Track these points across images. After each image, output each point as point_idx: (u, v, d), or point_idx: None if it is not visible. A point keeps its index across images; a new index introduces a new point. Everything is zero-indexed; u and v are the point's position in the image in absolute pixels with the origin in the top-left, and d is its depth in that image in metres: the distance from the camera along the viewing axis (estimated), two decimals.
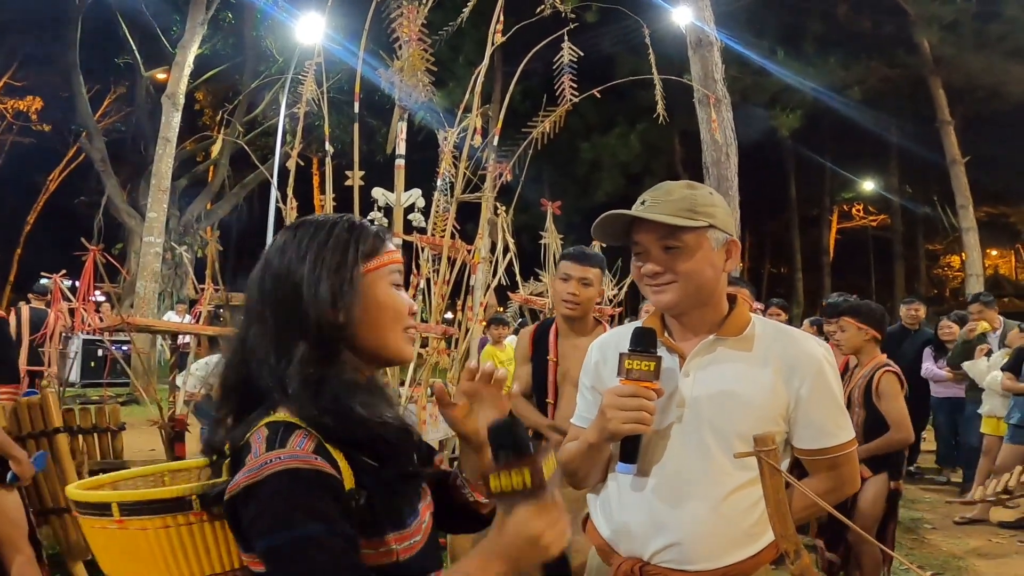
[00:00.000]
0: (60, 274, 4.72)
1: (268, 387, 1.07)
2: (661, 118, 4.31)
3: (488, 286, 4.11)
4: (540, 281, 4.26)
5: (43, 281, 5.89)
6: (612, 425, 1.38)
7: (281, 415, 1.03)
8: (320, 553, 0.94)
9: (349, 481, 1.01)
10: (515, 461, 0.97)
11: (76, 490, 1.26)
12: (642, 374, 1.37)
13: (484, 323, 6.29)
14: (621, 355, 1.41)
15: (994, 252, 29.89)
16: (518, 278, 4.16)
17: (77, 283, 5.82)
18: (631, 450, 1.42)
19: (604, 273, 2.94)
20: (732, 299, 1.52)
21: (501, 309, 8.76)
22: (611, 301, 5.98)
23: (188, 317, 10.19)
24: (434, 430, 3.60)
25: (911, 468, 7.03)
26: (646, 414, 1.36)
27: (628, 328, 1.54)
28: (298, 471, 0.96)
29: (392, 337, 1.14)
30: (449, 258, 3.61)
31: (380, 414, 1.06)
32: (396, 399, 1.19)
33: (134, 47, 18.05)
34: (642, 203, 1.45)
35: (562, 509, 1.01)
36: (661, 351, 1.44)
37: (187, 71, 13.59)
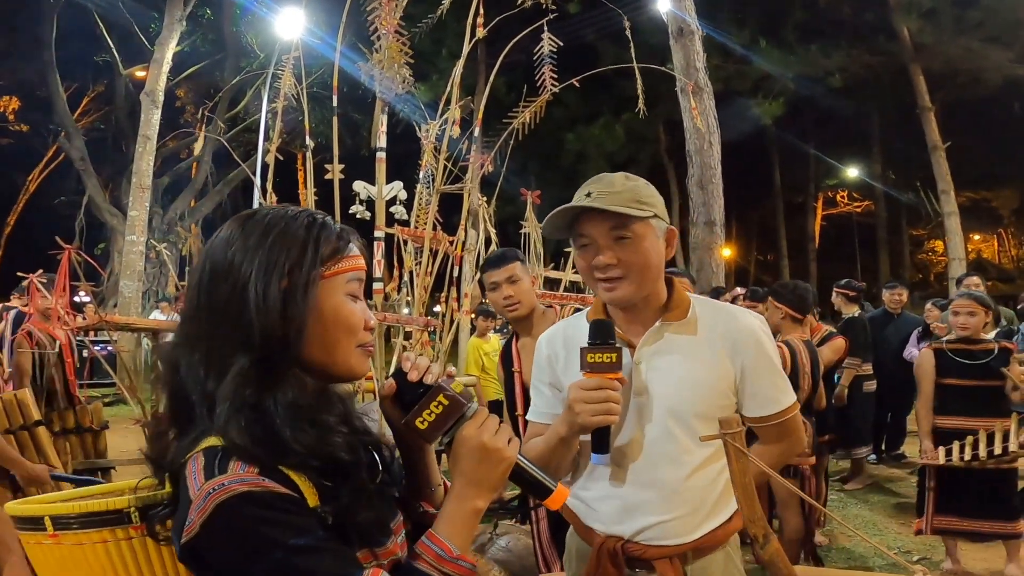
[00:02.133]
0: (37, 274, 4.66)
1: (195, 403, 0.95)
2: (641, 112, 4.32)
3: (472, 277, 4.11)
4: None
5: (24, 282, 5.81)
6: (581, 419, 1.42)
7: (217, 439, 0.91)
8: (318, 559, 0.86)
9: (312, 499, 0.91)
10: (424, 394, 1.01)
11: (11, 504, 1.15)
12: (605, 366, 1.41)
13: (471, 314, 6.28)
14: (582, 349, 1.44)
15: (976, 236, 30.18)
16: None
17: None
18: (602, 440, 1.46)
19: (525, 264, 2.93)
20: (669, 283, 1.57)
21: (487, 300, 8.75)
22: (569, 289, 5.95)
23: (173, 315, 10.14)
24: None
25: (897, 452, 7.09)
26: (613, 404, 1.41)
27: (575, 320, 1.61)
28: (251, 494, 0.86)
29: (343, 354, 1.00)
30: (432, 250, 3.60)
31: (326, 440, 0.93)
32: (351, 412, 1.05)
33: (112, 45, 17.83)
34: (587, 195, 1.47)
35: (495, 417, 1.03)
36: (621, 346, 1.48)
37: (166, 68, 13.43)
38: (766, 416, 1.55)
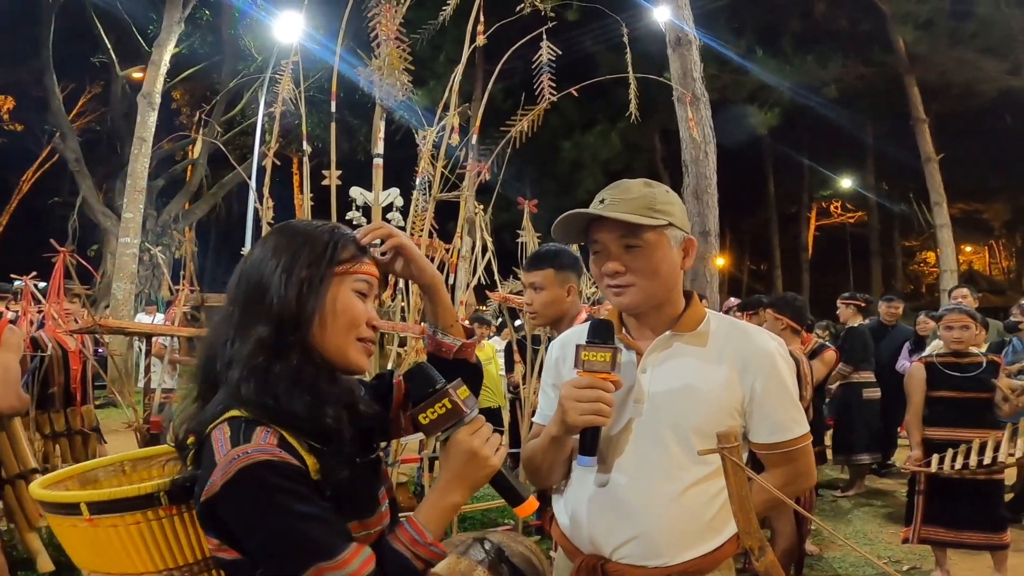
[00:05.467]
0: (31, 276, 4.63)
1: (220, 371, 1.12)
2: (634, 117, 4.34)
3: (468, 285, 4.11)
4: (519, 279, 4.28)
5: (16, 283, 5.78)
6: (570, 417, 1.38)
7: (240, 411, 1.07)
8: (316, 526, 1.01)
9: (315, 473, 1.06)
10: (432, 394, 1.13)
11: (42, 491, 1.28)
12: (598, 365, 1.38)
13: (465, 320, 6.28)
14: (578, 347, 1.41)
15: (968, 248, 30.34)
16: (496, 277, 4.17)
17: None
18: (590, 442, 1.42)
19: (564, 269, 2.73)
20: (688, 295, 1.54)
21: (483, 308, 8.74)
22: (589, 299, 5.96)
23: (160, 317, 10.07)
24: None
25: (888, 462, 7.11)
26: (604, 405, 1.36)
27: (588, 325, 1.54)
28: (270, 463, 1.00)
29: (342, 343, 1.16)
30: (428, 257, 3.60)
31: (318, 408, 1.09)
32: (355, 391, 1.23)
33: (109, 46, 17.80)
34: (601, 201, 1.45)
35: (490, 427, 1.16)
36: (618, 346, 1.44)
37: (163, 70, 13.41)
38: (773, 443, 1.48)
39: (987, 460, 3.69)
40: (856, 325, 6.39)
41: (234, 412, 1.07)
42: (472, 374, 1.38)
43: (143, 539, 1.19)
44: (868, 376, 6.26)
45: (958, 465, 3.78)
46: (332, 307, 1.14)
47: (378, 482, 1.22)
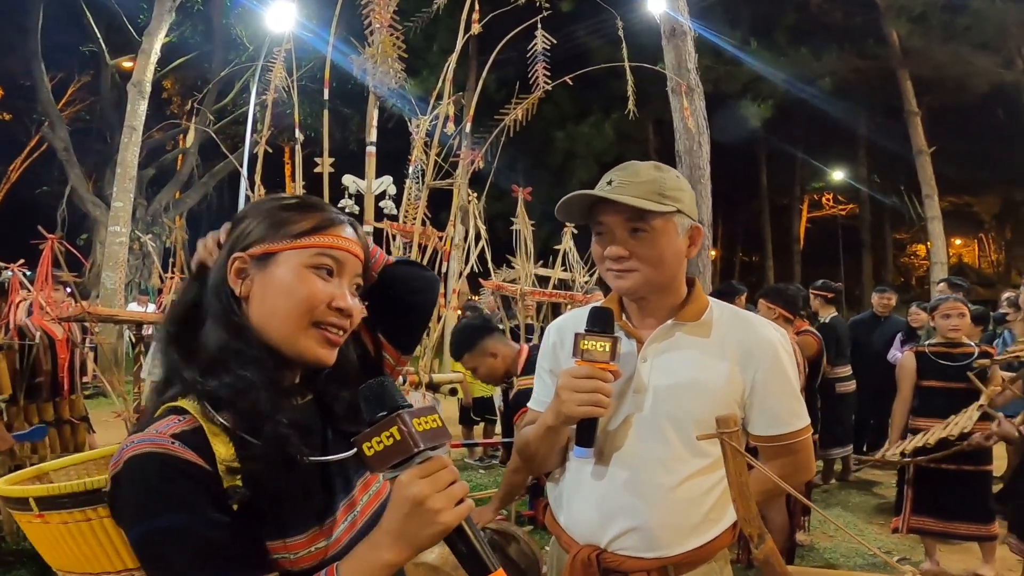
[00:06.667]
0: (18, 264, 4.58)
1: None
2: (632, 113, 4.33)
3: (460, 273, 4.10)
4: (512, 268, 4.26)
5: (5, 272, 5.73)
6: (567, 408, 1.34)
7: (179, 401, 0.94)
8: (179, 545, 0.85)
9: (228, 479, 0.88)
10: (380, 420, 0.88)
11: (2, 484, 1.16)
12: (598, 355, 1.33)
13: (458, 309, 6.27)
14: (576, 335, 1.37)
15: (958, 241, 30.51)
16: (490, 265, 4.14)
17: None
18: (587, 433, 1.38)
19: (475, 344, 3.11)
20: (691, 283, 1.50)
21: (476, 297, 8.73)
22: (582, 288, 5.94)
23: (151, 307, 9.99)
24: None
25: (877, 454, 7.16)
26: (602, 396, 1.32)
27: (586, 310, 1.49)
28: (151, 455, 0.86)
29: (287, 328, 0.96)
30: (420, 245, 3.59)
31: (245, 389, 0.92)
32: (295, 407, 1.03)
33: (99, 35, 17.63)
34: (609, 183, 1.40)
35: (454, 472, 0.88)
36: (618, 335, 1.41)
37: (154, 59, 13.26)
38: (773, 436, 1.45)
39: (956, 433, 3.70)
40: (828, 320, 6.32)
41: (178, 403, 0.94)
42: (398, 276, 1.19)
43: (95, 537, 1.07)
44: (842, 371, 6.26)
45: (918, 444, 3.81)
46: (274, 286, 0.96)
47: (339, 492, 1.01)
